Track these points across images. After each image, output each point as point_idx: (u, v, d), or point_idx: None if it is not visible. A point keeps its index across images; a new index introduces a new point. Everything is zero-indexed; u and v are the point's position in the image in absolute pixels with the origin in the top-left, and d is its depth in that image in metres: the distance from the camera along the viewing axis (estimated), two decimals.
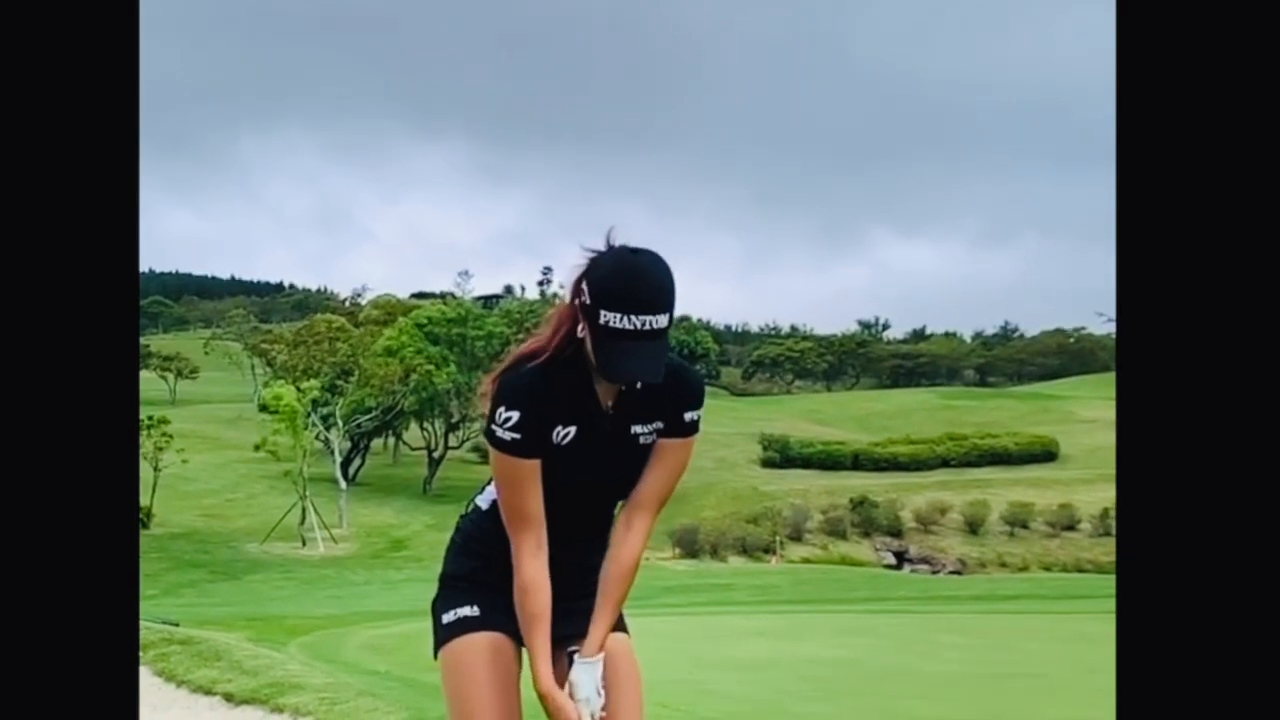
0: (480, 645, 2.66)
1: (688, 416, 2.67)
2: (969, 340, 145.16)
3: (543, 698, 2.62)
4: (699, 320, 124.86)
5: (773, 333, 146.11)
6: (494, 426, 2.54)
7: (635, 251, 2.49)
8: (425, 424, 59.32)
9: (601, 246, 2.51)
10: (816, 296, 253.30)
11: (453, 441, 59.75)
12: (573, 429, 2.59)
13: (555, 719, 2.62)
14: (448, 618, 2.71)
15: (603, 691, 2.66)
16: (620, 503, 2.72)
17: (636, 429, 2.66)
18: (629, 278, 2.45)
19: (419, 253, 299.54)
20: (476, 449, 61.28)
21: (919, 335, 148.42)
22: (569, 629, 2.70)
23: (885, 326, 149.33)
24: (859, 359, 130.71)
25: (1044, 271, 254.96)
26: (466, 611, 2.69)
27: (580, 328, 2.51)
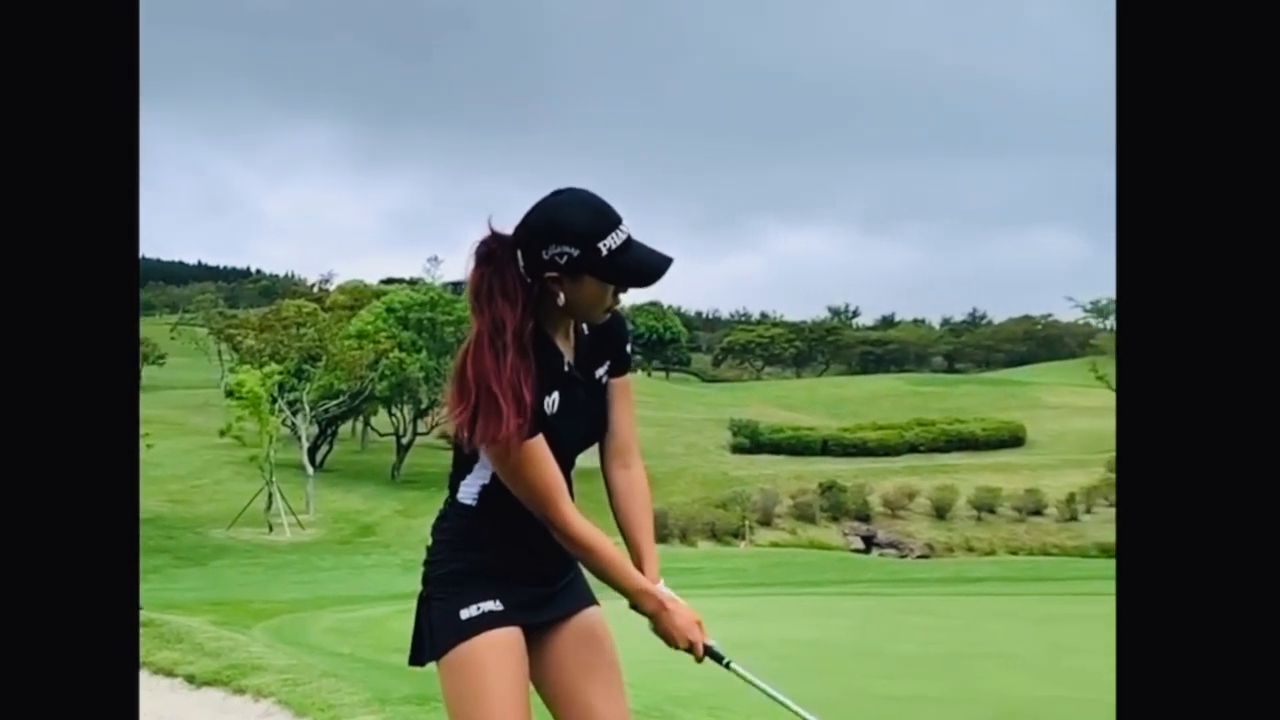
0: (506, 642, 2.58)
1: (629, 349, 2.76)
2: (937, 327, 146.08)
3: (680, 632, 2.65)
4: (670, 306, 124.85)
5: (742, 319, 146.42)
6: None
7: (558, 192, 2.50)
8: (394, 410, 59.01)
9: (497, 227, 2.52)
10: (708, 283, 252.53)
11: (421, 428, 59.49)
12: (556, 394, 2.57)
13: (683, 633, 2.64)
14: (468, 613, 2.59)
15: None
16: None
17: (599, 373, 2.68)
18: (590, 205, 2.48)
19: (311, 235, 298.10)
20: (445, 435, 61.02)
21: (888, 322, 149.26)
22: (556, 611, 2.69)
23: (855, 314, 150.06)
24: (828, 346, 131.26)
25: (935, 257, 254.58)
26: (491, 606, 2.60)
27: (558, 293, 2.50)
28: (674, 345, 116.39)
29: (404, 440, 58.98)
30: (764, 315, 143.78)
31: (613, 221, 2.47)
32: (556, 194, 2.50)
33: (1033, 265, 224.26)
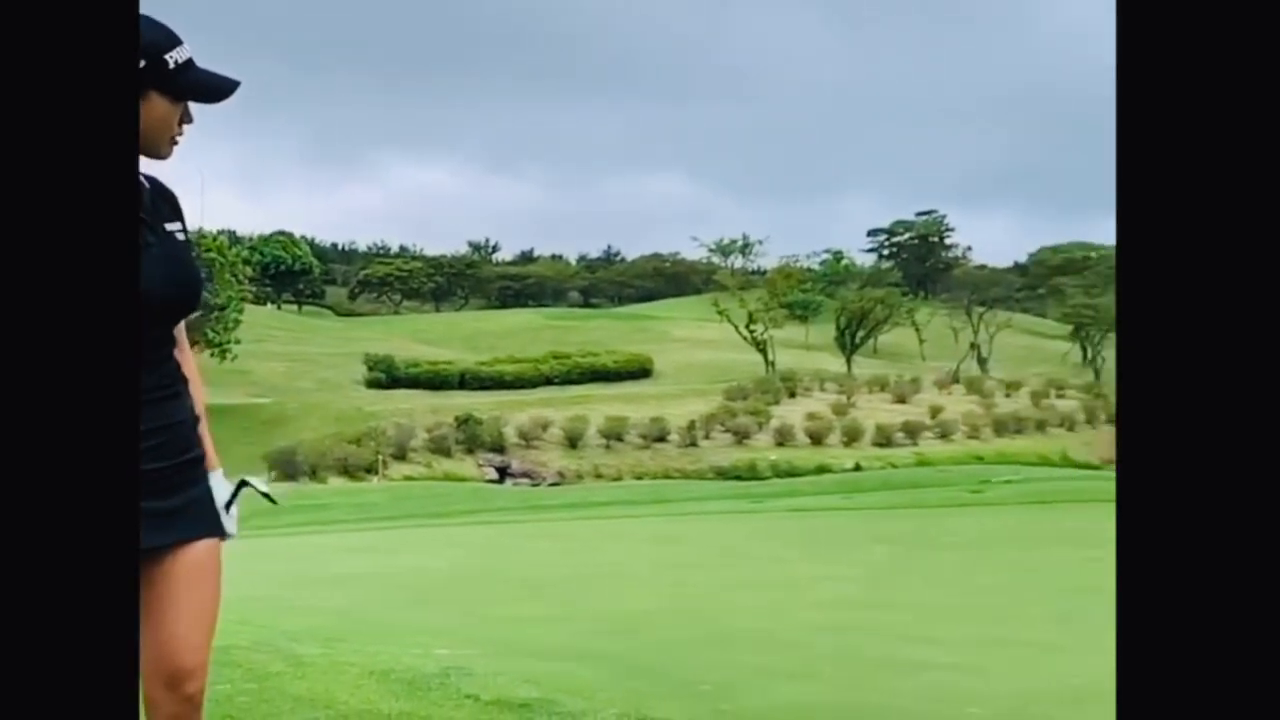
0: None
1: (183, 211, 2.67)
2: (574, 263, 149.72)
3: None
4: (302, 236, 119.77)
5: (380, 252, 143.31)
6: None
7: None
8: None
9: None
10: (332, 214, 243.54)
11: None
12: None
13: None
14: None
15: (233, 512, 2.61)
16: None
17: (171, 227, 2.54)
18: (150, 19, 2.36)
19: None
20: None
21: (527, 258, 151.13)
22: (171, 536, 2.50)
23: (494, 249, 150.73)
24: (468, 280, 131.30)
25: (558, 196, 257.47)
26: None
27: None
28: (306, 277, 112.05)
29: None
30: (403, 249, 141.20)
31: (176, 38, 2.40)
32: None
33: (653, 206, 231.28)
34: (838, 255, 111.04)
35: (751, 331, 76.46)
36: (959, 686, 5.75)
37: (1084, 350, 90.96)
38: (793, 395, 67.84)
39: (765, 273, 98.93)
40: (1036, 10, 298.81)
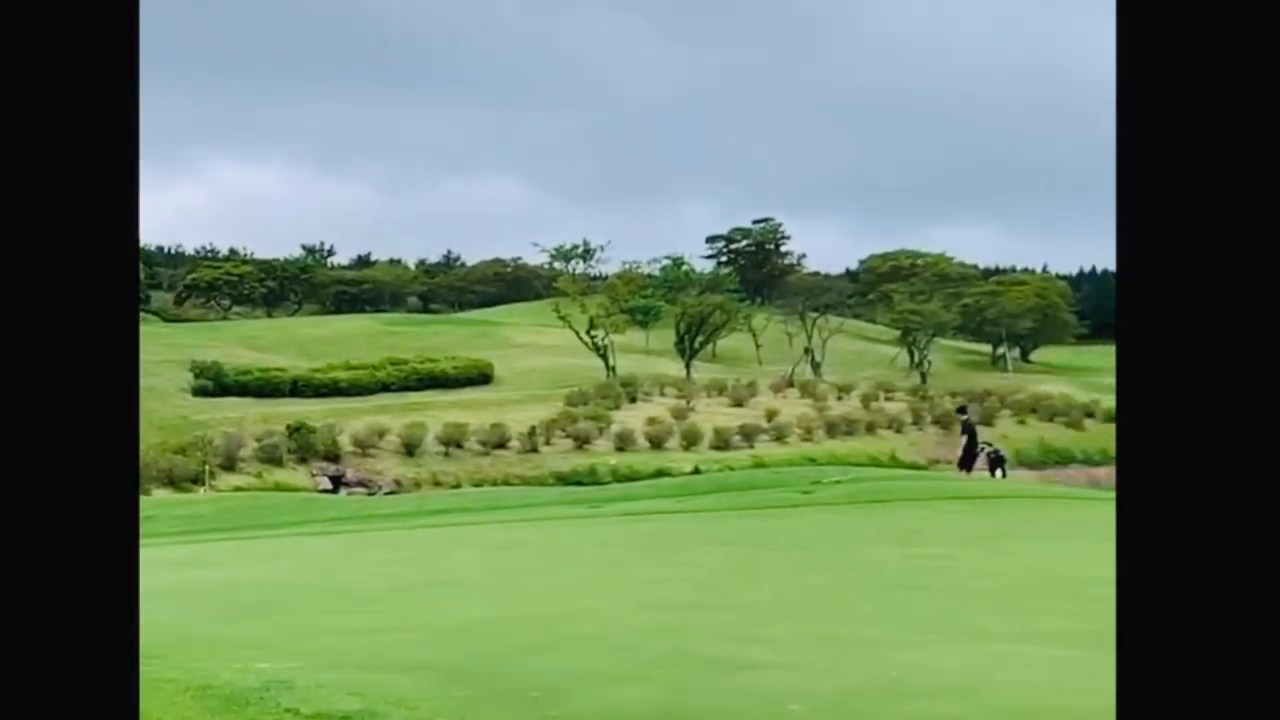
0: None
1: None
2: (413, 268, 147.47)
3: None
4: None
5: (209, 255, 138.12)
6: None
7: None
8: None
9: None
10: (156, 215, 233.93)
11: None
12: None
13: None
14: None
15: None
16: None
17: None
18: None
19: None
20: None
21: (364, 261, 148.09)
22: None
23: (330, 252, 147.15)
24: (302, 284, 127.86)
25: (391, 198, 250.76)
26: None
27: None
28: None
29: None
30: (233, 252, 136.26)
31: None
32: None
33: (492, 210, 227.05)
34: (678, 261, 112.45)
35: (592, 337, 76.73)
36: (782, 684, 5.89)
37: (910, 354, 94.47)
38: (633, 400, 68.38)
39: (606, 278, 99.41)
40: (869, 21, 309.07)
